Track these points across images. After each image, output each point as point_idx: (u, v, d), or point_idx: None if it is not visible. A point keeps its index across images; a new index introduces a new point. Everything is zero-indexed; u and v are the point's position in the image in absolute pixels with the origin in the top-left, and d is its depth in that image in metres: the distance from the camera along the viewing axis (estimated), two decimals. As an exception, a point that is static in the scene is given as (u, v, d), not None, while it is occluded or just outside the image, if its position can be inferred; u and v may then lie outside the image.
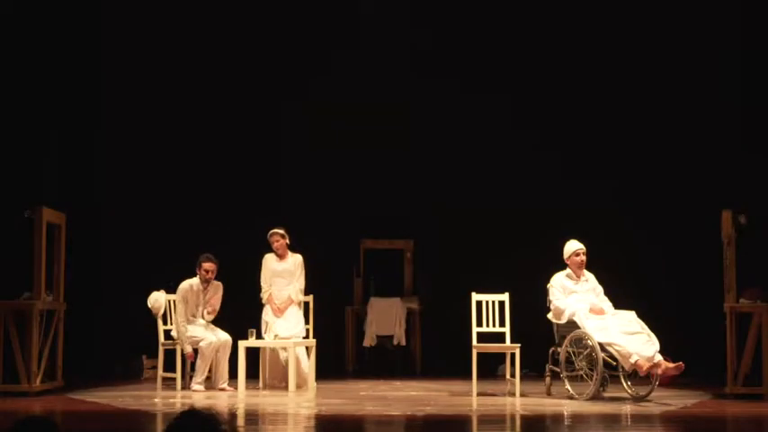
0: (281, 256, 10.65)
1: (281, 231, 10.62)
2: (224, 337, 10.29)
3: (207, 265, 10.31)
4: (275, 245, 10.61)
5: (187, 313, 10.29)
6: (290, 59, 12.78)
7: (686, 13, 12.20)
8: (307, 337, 10.62)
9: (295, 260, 10.66)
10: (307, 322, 10.71)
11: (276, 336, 10.35)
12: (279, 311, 10.55)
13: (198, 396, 9.82)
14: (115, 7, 12.63)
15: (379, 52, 12.67)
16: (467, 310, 9.89)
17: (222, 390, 10.13)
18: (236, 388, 10.08)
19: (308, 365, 10.48)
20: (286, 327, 10.47)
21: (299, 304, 10.63)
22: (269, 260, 10.68)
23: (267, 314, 10.62)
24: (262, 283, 10.67)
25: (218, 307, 10.39)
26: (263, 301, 10.65)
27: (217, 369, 10.24)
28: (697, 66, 12.18)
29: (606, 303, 9.58)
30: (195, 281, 10.35)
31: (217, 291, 10.42)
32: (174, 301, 10.45)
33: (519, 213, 12.50)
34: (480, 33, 12.81)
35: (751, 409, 8.74)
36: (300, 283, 10.63)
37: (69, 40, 12.27)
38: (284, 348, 10.35)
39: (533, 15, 12.69)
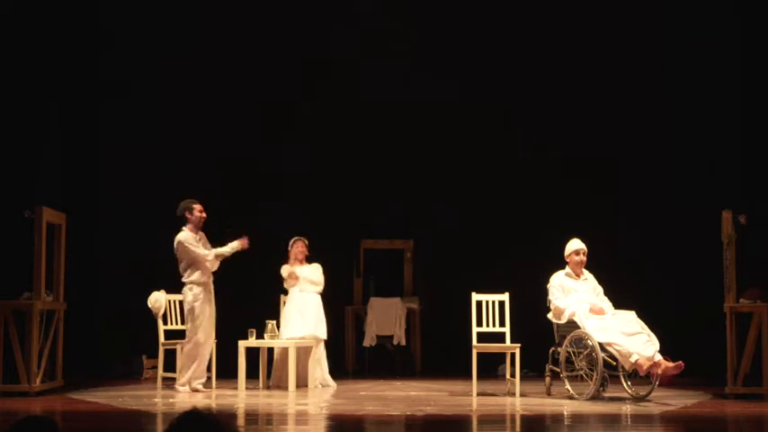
0: (300, 261, 10.70)
1: (304, 239, 10.73)
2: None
3: (198, 206, 10.14)
4: (299, 248, 10.66)
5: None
6: (290, 60, 12.78)
7: (686, 13, 12.20)
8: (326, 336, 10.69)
9: (316, 267, 10.74)
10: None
11: (274, 336, 10.34)
12: (294, 276, 10.59)
13: (200, 396, 9.82)
14: (117, 4, 12.63)
15: (380, 52, 12.67)
16: (467, 310, 9.89)
17: (196, 390, 9.97)
18: (210, 388, 10.07)
19: (310, 365, 10.47)
20: (303, 324, 10.48)
21: (318, 296, 10.67)
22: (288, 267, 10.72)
23: (287, 307, 10.63)
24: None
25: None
26: (286, 274, 10.62)
27: (199, 366, 10.07)
28: (697, 65, 12.19)
29: (606, 303, 9.58)
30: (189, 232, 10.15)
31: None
32: (174, 300, 10.44)
33: (518, 213, 12.51)
34: (481, 34, 12.81)
35: (751, 409, 8.73)
36: (319, 278, 10.67)
37: (70, 40, 12.27)
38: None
39: (535, 17, 12.69)
